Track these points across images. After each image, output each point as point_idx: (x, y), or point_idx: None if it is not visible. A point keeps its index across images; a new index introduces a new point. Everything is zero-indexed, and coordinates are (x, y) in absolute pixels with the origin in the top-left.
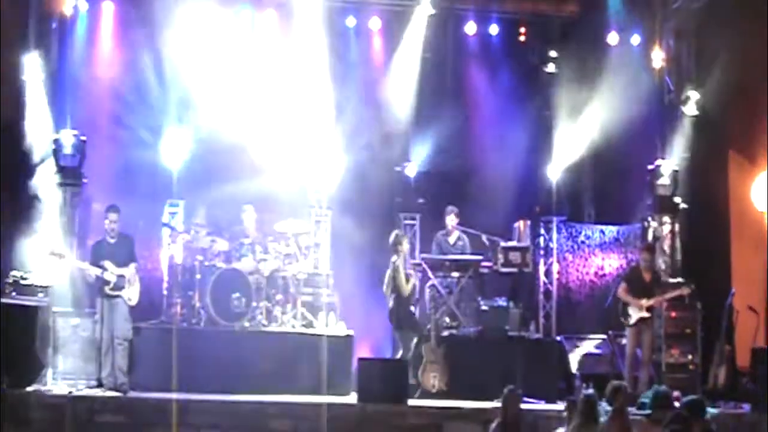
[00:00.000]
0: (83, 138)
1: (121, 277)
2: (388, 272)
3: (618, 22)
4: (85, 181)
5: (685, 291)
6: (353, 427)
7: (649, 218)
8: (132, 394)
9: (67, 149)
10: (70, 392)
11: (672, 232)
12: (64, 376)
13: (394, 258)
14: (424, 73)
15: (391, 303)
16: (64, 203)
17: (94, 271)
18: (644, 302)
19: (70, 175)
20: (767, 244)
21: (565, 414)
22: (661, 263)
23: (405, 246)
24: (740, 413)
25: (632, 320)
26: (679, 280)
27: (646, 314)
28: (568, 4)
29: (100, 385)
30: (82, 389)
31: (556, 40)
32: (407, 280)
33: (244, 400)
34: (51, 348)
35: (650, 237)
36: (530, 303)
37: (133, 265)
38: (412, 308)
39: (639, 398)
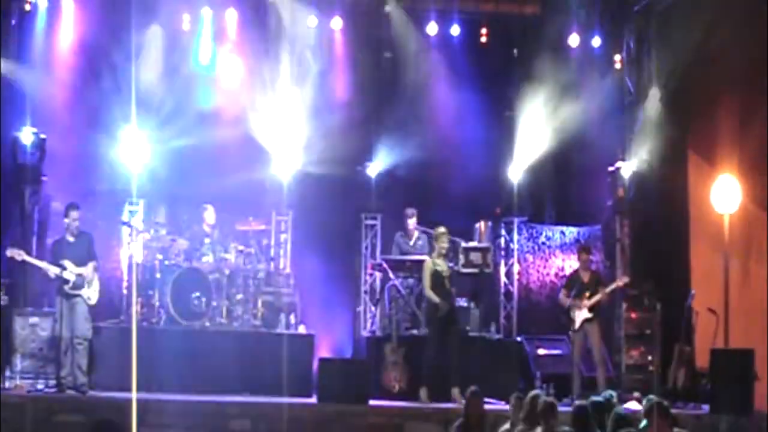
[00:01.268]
0: (43, 136)
1: (80, 276)
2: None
3: (579, 24)
4: (44, 179)
5: (621, 282)
6: (314, 428)
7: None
8: (91, 393)
9: (27, 147)
10: (28, 392)
11: (631, 233)
12: (22, 375)
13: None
14: (386, 73)
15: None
16: (23, 201)
17: (54, 270)
18: (585, 302)
19: (30, 172)
20: (726, 246)
21: (511, 410)
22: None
23: (440, 244)
24: (699, 414)
25: (576, 324)
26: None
27: (588, 315)
28: (530, 5)
29: (59, 384)
30: (42, 389)
31: (517, 41)
32: (434, 282)
33: (204, 400)
34: (9, 347)
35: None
36: (491, 303)
37: (92, 264)
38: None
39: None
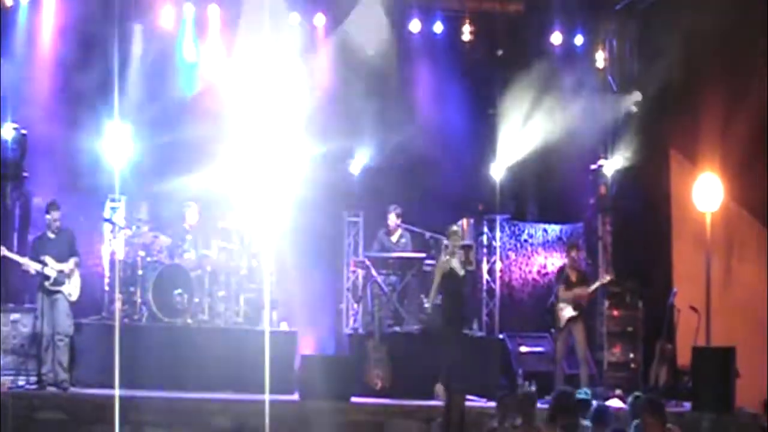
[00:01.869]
0: (24, 131)
1: (61, 272)
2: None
3: (561, 23)
4: (25, 175)
5: (604, 280)
6: (296, 425)
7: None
8: (73, 390)
9: (8, 143)
10: (9, 388)
11: (613, 231)
12: (3, 372)
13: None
14: (369, 70)
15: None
16: (4, 197)
17: (35, 267)
18: (576, 291)
19: (11, 168)
20: (708, 244)
21: (496, 411)
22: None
23: (454, 242)
24: (681, 412)
25: (562, 322)
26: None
27: (573, 313)
28: (513, 3)
29: (40, 381)
30: (22, 385)
31: (500, 39)
32: (448, 281)
33: (186, 397)
34: None
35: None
36: (473, 301)
37: (73, 260)
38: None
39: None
